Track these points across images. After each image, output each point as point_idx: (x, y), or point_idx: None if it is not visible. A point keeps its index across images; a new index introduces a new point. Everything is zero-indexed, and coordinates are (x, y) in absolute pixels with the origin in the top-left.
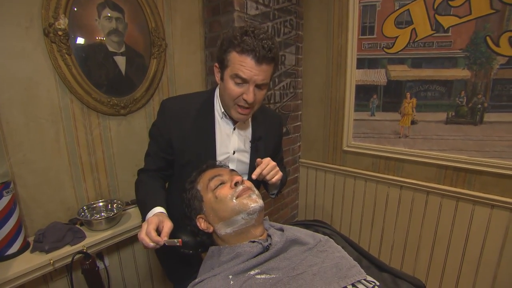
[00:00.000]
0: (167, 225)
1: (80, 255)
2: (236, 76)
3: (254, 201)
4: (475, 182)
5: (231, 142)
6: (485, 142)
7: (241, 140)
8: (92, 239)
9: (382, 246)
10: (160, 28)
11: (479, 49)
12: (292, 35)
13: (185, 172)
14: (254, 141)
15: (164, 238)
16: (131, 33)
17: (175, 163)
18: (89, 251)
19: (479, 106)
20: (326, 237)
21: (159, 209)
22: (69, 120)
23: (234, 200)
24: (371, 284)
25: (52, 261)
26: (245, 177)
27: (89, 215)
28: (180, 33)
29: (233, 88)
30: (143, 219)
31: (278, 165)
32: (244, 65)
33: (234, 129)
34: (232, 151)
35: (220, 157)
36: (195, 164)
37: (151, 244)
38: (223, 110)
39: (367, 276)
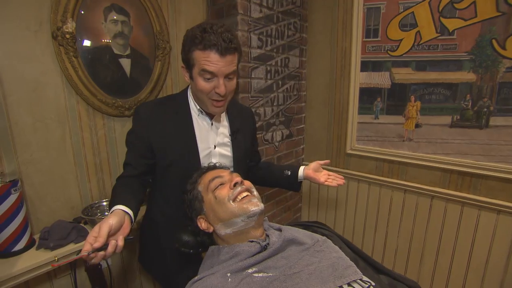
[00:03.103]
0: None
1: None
2: (204, 71)
3: (255, 204)
4: (480, 186)
5: (210, 137)
6: (491, 146)
7: (220, 134)
8: None
9: (386, 251)
10: (164, 31)
11: (485, 52)
12: (296, 38)
13: (168, 174)
14: (234, 134)
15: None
16: (136, 36)
17: (157, 166)
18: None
19: (485, 109)
20: (324, 237)
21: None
22: (75, 121)
23: (231, 202)
24: (367, 284)
25: (56, 258)
26: (231, 168)
27: (93, 214)
28: None
29: (204, 84)
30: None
31: (255, 155)
32: (210, 59)
33: (212, 124)
34: (213, 146)
35: (202, 153)
36: (179, 163)
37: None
38: (198, 107)
39: (363, 276)
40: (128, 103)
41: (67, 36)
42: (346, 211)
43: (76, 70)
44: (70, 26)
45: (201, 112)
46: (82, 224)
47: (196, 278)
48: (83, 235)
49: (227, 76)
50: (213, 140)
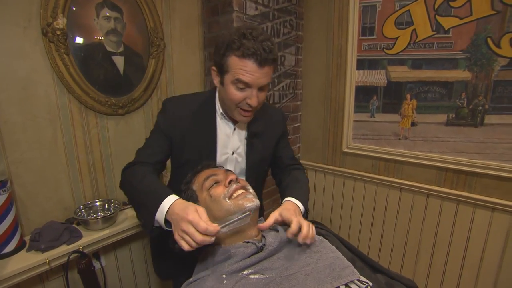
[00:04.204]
0: (203, 209)
1: (76, 254)
2: (238, 81)
3: (250, 200)
4: (475, 184)
5: (230, 142)
6: (486, 144)
7: (240, 140)
8: (88, 238)
9: (382, 249)
10: (158, 28)
11: (480, 51)
12: (292, 36)
13: (180, 173)
14: (250, 138)
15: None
16: (130, 33)
17: (172, 163)
18: (85, 251)
19: (480, 108)
20: (321, 237)
21: (176, 197)
22: (67, 119)
23: (227, 200)
24: (364, 284)
25: (48, 260)
26: (243, 176)
27: (86, 215)
28: (179, 33)
29: (236, 93)
30: (151, 208)
31: (289, 165)
32: (246, 69)
33: (235, 129)
34: (232, 152)
35: (220, 158)
36: (192, 164)
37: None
38: (221, 111)
39: (361, 276)
40: (122, 102)
41: (58, 32)
42: (342, 209)
43: (68, 68)
44: (60, 22)
45: (224, 116)
46: (74, 225)
47: (191, 279)
48: (76, 236)
49: (260, 88)
50: (233, 146)
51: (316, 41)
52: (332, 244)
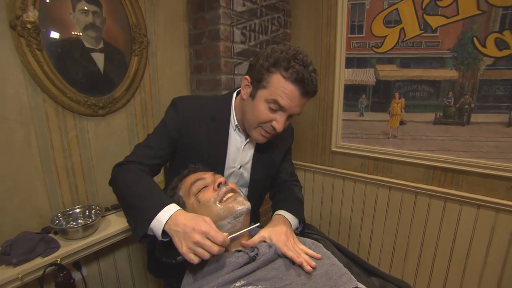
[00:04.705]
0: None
1: (53, 267)
2: (274, 102)
3: (241, 203)
4: (462, 182)
5: (240, 156)
6: (472, 143)
7: (249, 154)
8: (67, 249)
9: (371, 248)
10: (141, 24)
11: (466, 50)
12: (280, 33)
13: None
14: (258, 153)
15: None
16: (110, 28)
17: (171, 168)
18: (64, 262)
19: (466, 106)
20: (316, 242)
21: (177, 206)
22: (42, 121)
23: (218, 204)
24: None
25: (20, 275)
26: (245, 189)
27: (64, 223)
28: (163, 29)
29: (265, 112)
30: (148, 215)
31: (287, 181)
32: (288, 93)
33: (246, 143)
34: (239, 166)
35: (226, 171)
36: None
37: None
38: (236, 123)
39: (358, 284)
40: (102, 101)
41: (29, 26)
42: (331, 209)
43: (41, 65)
44: (31, 15)
45: (238, 128)
46: (51, 235)
47: None
48: (52, 247)
49: (292, 114)
50: (241, 160)
51: (304, 39)
52: (327, 249)
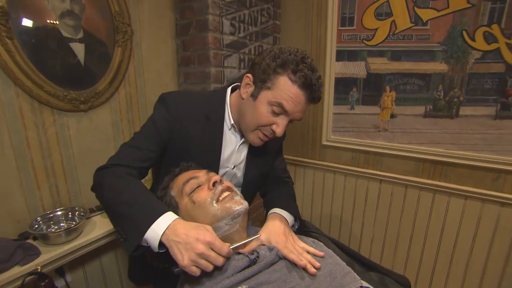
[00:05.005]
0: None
1: (33, 276)
2: (278, 105)
3: (238, 203)
4: (450, 174)
5: (234, 156)
6: (461, 135)
7: (243, 154)
8: (48, 255)
9: (362, 241)
10: (125, 12)
11: (456, 43)
12: (270, 25)
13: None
14: (252, 153)
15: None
16: (90, 16)
17: (161, 168)
18: (45, 270)
19: (455, 99)
20: (316, 240)
21: (175, 215)
22: (15, 117)
23: (214, 204)
24: None
25: None
26: (238, 189)
27: (44, 227)
28: (148, 19)
29: (267, 115)
30: (141, 225)
31: (279, 177)
32: (294, 97)
33: (241, 143)
34: (233, 166)
35: (220, 172)
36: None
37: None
38: (232, 122)
39: (363, 282)
40: (84, 96)
41: None
42: (322, 203)
43: (12, 55)
44: None
45: (234, 127)
46: (30, 241)
47: None
48: (32, 254)
49: (293, 120)
50: (235, 161)
51: (294, 31)
52: (328, 247)
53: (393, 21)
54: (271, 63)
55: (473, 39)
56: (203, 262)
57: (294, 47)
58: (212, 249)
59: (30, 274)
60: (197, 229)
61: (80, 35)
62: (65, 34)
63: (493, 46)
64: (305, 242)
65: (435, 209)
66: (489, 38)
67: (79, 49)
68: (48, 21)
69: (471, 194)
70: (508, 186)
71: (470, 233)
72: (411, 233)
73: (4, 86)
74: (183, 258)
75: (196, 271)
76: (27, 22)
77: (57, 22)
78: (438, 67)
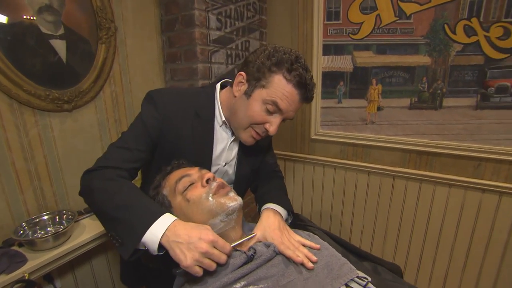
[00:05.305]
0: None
1: (20, 284)
2: (273, 103)
3: (233, 199)
4: (435, 164)
5: (225, 154)
6: (444, 126)
7: (234, 151)
8: (35, 262)
9: (353, 232)
10: (107, 7)
11: (438, 36)
12: (256, 20)
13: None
14: (243, 149)
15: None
16: (71, 12)
17: (151, 167)
18: (33, 277)
19: (439, 91)
20: (311, 234)
21: (173, 216)
22: None
23: (210, 199)
24: (364, 281)
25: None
26: (230, 186)
27: (30, 233)
28: (132, 15)
29: (261, 113)
30: (138, 228)
31: (270, 171)
32: (288, 96)
33: (232, 140)
34: (224, 163)
35: (212, 169)
36: None
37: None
38: (224, 119)
39: (359, 272)
40: (67, 95)
41: None
42: (312, 196)
43: None
44: None
45: (225, 124)
46: (15, 248)
47: None
48: (18, 262)
49: (286, 119)
50: (226, 158)
51: (280, 26)
52: (323, 240)
53: (378, 15)
54: (266, 61)
55: (454, 32)
56: (207, 261)
57: (287, 47)
58: (215, 247)
59: (17, 282)
60: (199, 229)
61: (61, 31)
62: (44, 30)
63: (473, 39)
64: (300, 236)
65: (421, 198)
66: (469, 31)
67: (60, 46)
68: (25, 16)
69: (455, 182)
70: (488, 173)
71: (454, 219)
72: (399, 222)
73: None
74: (186, 259)
75: (199, 271)
76: (1, 18)
77: (35, 18)
78: (422, 60)
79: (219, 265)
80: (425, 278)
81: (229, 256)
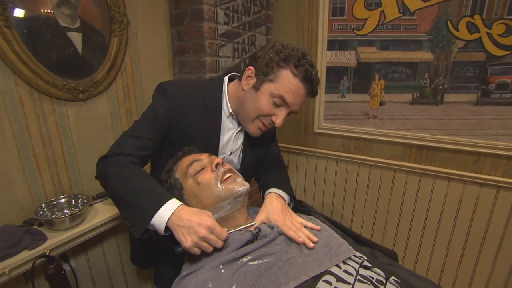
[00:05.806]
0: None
1: (43, 259)
2: (279, 97)
3: (240, 184)
4: (435, 158)
5: (231, 143)
6: (444, 121)
7: (240, 141)
8: (54, 240)
9: (353, 224)
10: (120, 1)
11: (441, 33)
12: (262, 15)
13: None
14: (248, 140)
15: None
16: (86, 6)
17: (162, 155)
18: (52, 254)
19: (440, 87)
20: (312, 217)
21: (179, 201)
22: (15, 106)
23: (219, 185)
24: (360, 259)
25: (7, 270)
26: None
27: (49, 214)
28: (143, 8)
29: (268, 106)
30: (148, 211)
31: (273, 161)
32: (295, 90)
33: (239, 131)
34: (229, 153)
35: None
36: None
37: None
38: (231, 110)
39: (356, 252)
40: (82, 85)
41: None
42: (315, 188)
43: (11, 44)
44: None
45: (232, 115)
46: (35, 227)
47: (184, 273)
48: (39, 239)
49: (291, 112)
50: (232, 147)
51: (286, 21)
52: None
53: (382, 11)
54: (275, 57)
55: (457, 29)
56: (204, 244)
57: (294, 44)
58: (212, 233)
59: (40, 257)
60: (199, 215)
61: (77, 24)
62: (62, 23)
63: (475, 35)
64: (303, 219)
65: (421, 191)
66: (472, 28)
67: (76, 38)
68: (42, 10)
69: (454, 176)
70: (486, 168)
71: (452, 212)
72: (399, 215)
73: (4, 74)
74: (187, 241)
75: (197, 251)
76: (18, 13)
77: (53, 12)
78: (424, 56)
79: (215, 249)
80: (423, 268)
81: (225, 241)
